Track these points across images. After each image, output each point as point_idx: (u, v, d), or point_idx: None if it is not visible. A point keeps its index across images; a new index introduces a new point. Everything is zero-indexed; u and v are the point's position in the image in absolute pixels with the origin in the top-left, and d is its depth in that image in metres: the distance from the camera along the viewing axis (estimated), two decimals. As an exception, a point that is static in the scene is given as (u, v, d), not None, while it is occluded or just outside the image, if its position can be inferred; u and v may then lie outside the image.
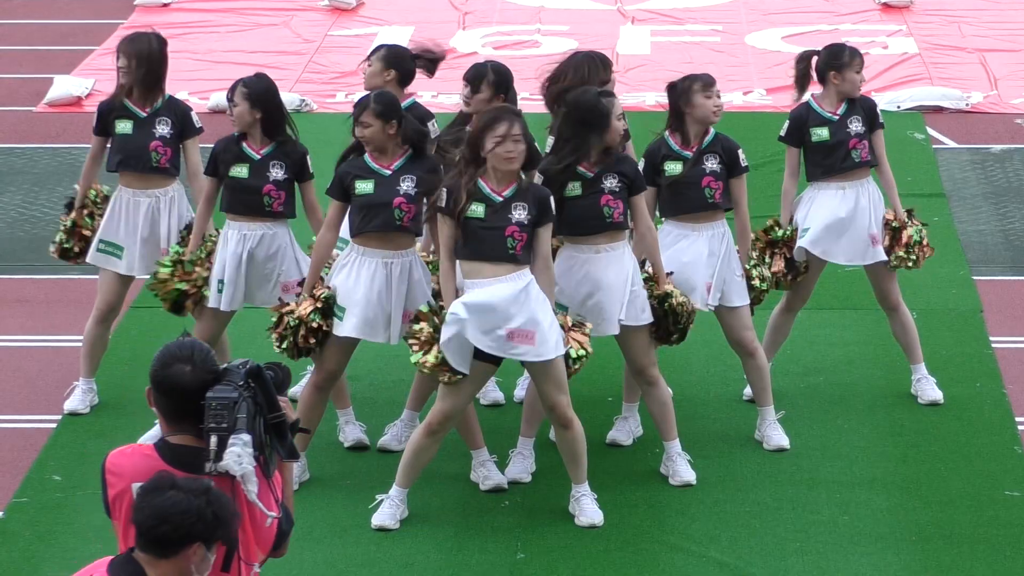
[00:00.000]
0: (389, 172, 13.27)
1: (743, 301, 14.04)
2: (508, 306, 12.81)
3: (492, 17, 24.42)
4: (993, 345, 15.49)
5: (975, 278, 16.51)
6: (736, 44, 23.36)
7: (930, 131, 20.09)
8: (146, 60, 14.63)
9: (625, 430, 14.45)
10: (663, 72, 22.17)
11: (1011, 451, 14.17)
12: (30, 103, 21.02)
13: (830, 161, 14.62)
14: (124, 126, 14.71)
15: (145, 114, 14.83)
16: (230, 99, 14.33)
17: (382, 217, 13.26)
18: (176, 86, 21.06)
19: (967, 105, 19.85)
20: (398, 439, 13.91)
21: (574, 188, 13.56)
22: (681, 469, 13.56)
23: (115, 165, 14.81)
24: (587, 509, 13.14)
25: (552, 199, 13.03)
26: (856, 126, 14.74)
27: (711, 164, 14.22)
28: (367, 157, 13.37)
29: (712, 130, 14.47)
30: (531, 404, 13.67)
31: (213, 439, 7.93)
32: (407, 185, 13.23)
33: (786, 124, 15.03)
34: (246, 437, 7.97)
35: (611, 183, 13.37)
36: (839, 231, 14.54)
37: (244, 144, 13.89)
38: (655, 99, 20.87)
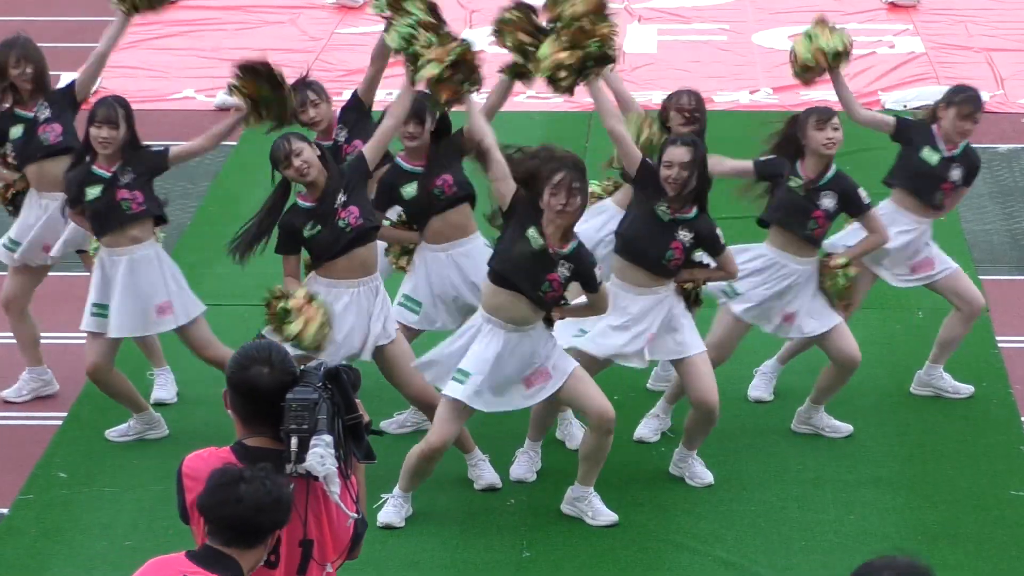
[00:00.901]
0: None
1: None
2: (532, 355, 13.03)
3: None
4: (999, 345, 15.50)
5: (981, 277, 16.43)
6: (743, 43, 23.39)
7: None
8: None
9: (653, 427, 14.41)
10: (670, 71, 22.29)
11: (1017, 451, 14.23)
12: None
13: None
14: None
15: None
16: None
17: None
18: (182, 83, 21.10)
19: (978, 102, 20.00)
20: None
21: None
22: (699, 471, 13.59)
23: None
24: (601, 509, 13.17)
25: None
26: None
27: (826, 201, 14.14)
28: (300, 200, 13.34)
29: (833, 167, 14.34)
30: (539, 412, 13.54)
31: (294, 440, 7.98)
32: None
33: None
34: (328, 438, 8.01)
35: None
36: None
37: None
38: (662, 98, 20.90)
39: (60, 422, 14.49)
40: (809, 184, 14.11)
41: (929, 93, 20.68)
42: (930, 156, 14.54)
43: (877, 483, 13.88)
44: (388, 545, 12.28)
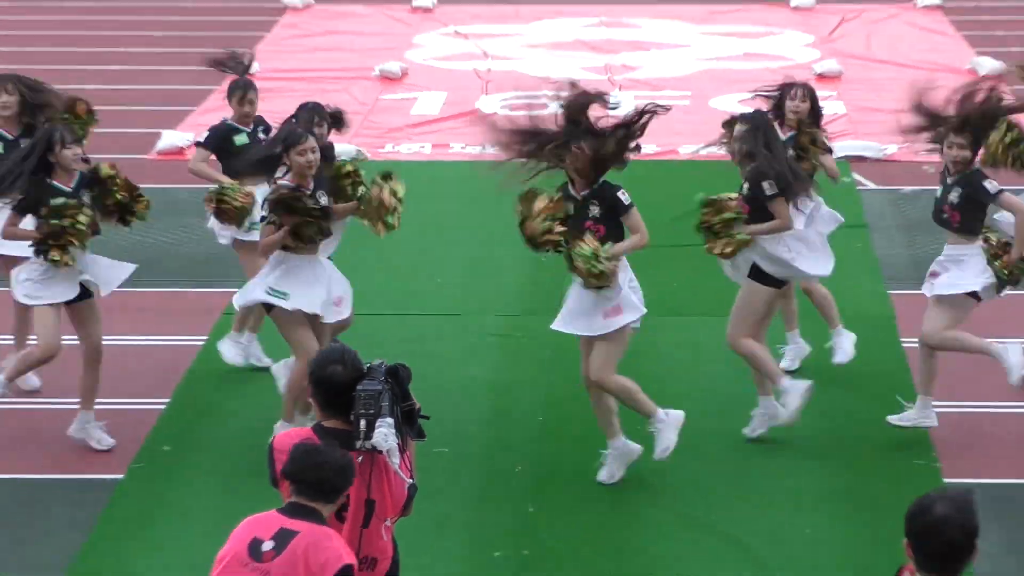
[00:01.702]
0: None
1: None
2: None
3: (508, 84, 24.41)
4: (903, 344, 15.51)
5: (889, 292, 16.61)
6: (702, 106, 23.43)
7: (855, 175, 20.08)
8: None
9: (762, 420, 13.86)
10: (650, 130, 22.29)
11: (919, 430, 14.09)
12: (143, 152, 21.16)
13: None
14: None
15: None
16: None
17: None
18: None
19: (884, 155, 19.96)
20: None
21: None
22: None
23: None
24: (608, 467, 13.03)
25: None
26: None
27: (952, 195, 13.56)
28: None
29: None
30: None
31: (362, 423, 8.33)
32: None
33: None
34: (390, 420, 8.37)
35: None
36: None
37: None
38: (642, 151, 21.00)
39: (164, 406, 14.51)
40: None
41: (849, 146, 20.75)
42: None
43: (810, 453, 13.77)
44: (419, 507, 12.25)
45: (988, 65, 24.90)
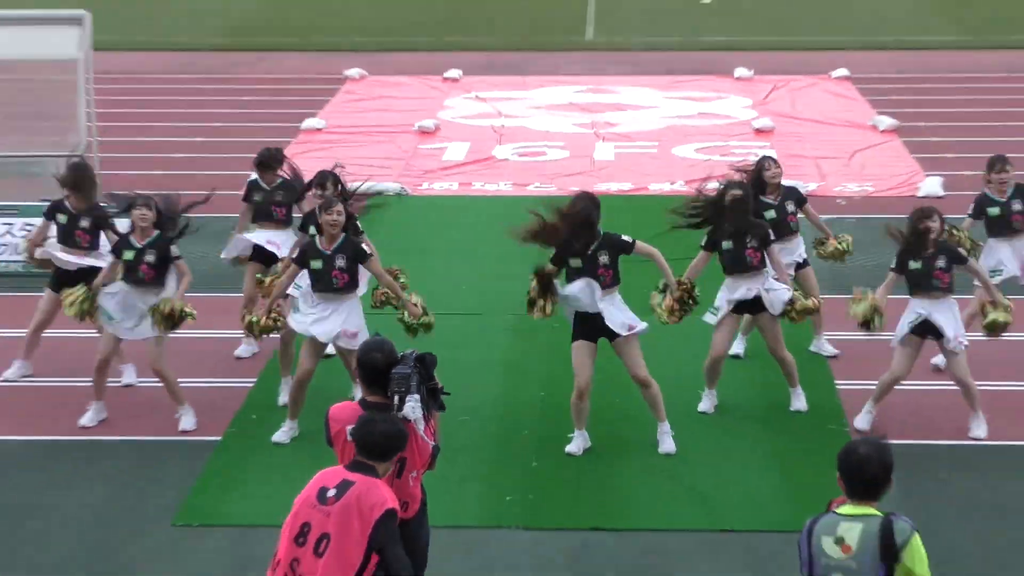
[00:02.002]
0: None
1: None
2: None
3: (518, 137, 24.33)
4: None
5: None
6: (666, 154, 23.24)
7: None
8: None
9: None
10: (622, 170, 22.22)
11: (831, 397, 14.05)
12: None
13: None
14: None
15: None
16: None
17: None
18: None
19: (807, 191, 19.78)
20: None
21: None
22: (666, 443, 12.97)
23: None
24: (666, 442, 12.93)
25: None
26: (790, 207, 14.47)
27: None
28: (317, 241, 12.89)
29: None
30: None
31: (396, 398, 8.51)
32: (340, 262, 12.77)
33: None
34: (416, 396, 8.55)
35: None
36: None
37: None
38: (617, 187, 20.86)
39: (252, 384, 14.45)
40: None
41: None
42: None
43: (750, 419, 13.70)
44: (447, 463, 12.10)
45: (885, 122, 24.75)
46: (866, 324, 13.03)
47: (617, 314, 12.52)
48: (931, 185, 20.95)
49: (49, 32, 19.74)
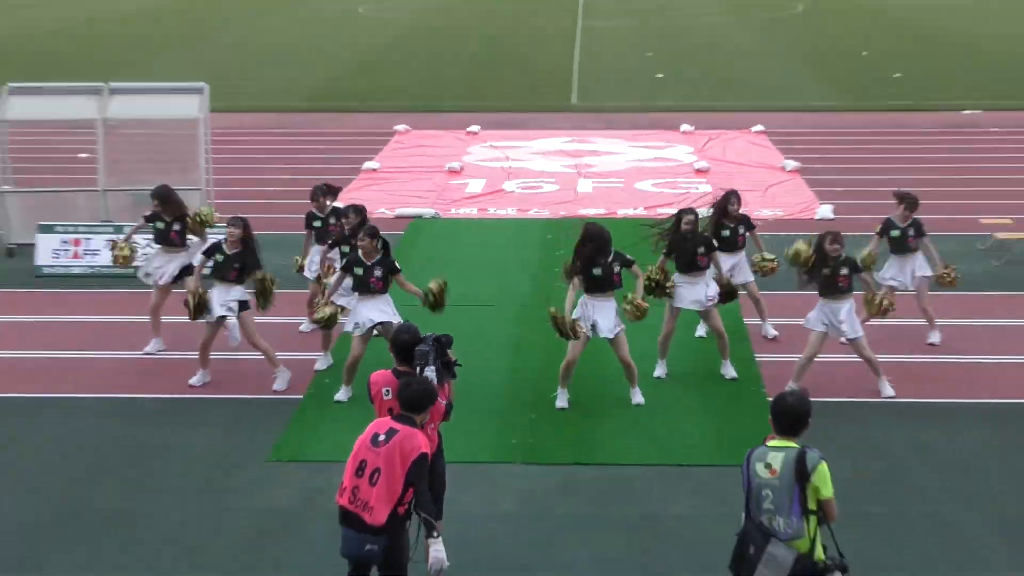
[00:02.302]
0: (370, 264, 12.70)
1: None
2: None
3: (521, 175, 24.22)
4: (745, 322, 15.29)
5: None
6: (630, 187, 23.13)
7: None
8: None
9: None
10: (598, 200, 22.05)
11: (752, 367, 13.93)
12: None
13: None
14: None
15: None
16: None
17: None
18: (377, 206, 20.88)
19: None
20: None
21: None
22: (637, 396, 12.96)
23: None
24: (637, 397, 12.94)
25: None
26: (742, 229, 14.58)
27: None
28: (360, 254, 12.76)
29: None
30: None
31: (418, 368, 8.66)
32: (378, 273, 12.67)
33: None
34: (432, 368, 8.69)
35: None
36: None
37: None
38: (594, 212, 20.80)
39: (322, 356, 14.22)
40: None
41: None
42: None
43: (681, 382, 13.62)
44: (465, 415, 11.97)
45: (790, 164, 24.60)
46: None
47: (608, 322, 12.57)
48: (824, 211, 20.91)
49: (179, 99, 19.91)
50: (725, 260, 14.12)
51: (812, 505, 7.22)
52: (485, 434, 12.25)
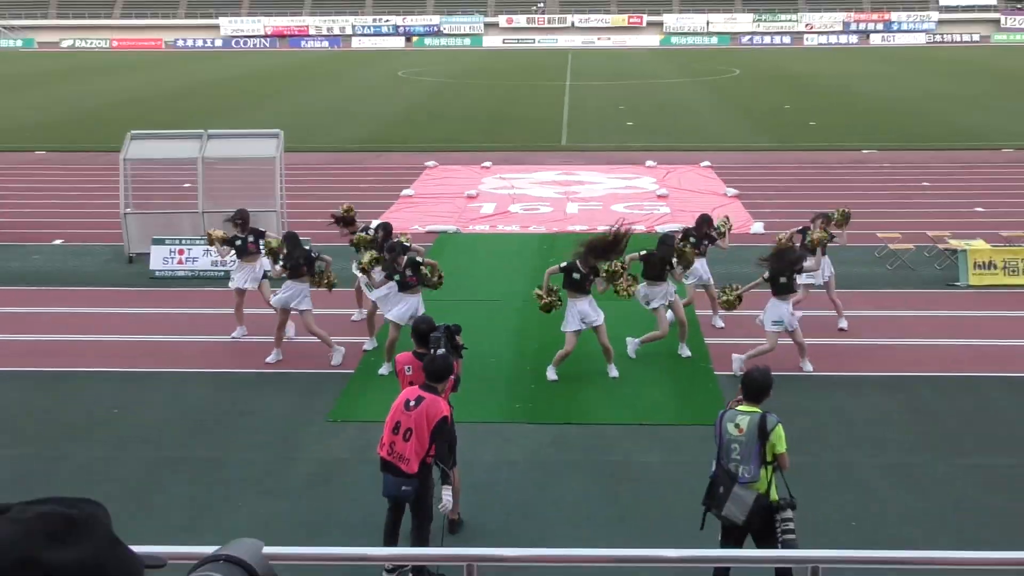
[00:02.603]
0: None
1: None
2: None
3: (523, 200, 24.07)
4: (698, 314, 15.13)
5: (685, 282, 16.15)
6: (607, 209, 22.94)
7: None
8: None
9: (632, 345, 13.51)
10: (582, 219, 21.87)
11: (702, 347, 13.79)
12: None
13: None
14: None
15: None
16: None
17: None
18: (412, 223, 20.82)
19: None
20: None
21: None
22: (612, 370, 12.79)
23: None
24: (612, 372, 12.76)
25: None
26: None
27: None
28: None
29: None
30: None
31: (432, 350, 8.34)
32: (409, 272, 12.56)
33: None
34: (443, 351, 8.34)
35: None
36: None
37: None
38: (579, 228, 20.66)
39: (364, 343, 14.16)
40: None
41: (672, 227, 20.41)
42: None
43: (647, 360, 13.48)
44: (475, 385, 11.88)
45: (731, 191, 24.48)
46: (730, 307, 13.00)
47: (593, 313, 12.49)
48: (757, 227, 20.80)
49: (259, 141, 19.87)
50: (697, 261, 14.02)
51: (769, 458, 7.33)
52: (495, 400, 12.12)
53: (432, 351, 8.55)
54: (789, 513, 7.28)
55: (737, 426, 7.35)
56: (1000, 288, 16.49)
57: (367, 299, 14.15)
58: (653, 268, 13.31)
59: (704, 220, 14.64)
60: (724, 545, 7.50)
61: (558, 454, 10.70)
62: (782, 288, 12.60)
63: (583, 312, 12.49)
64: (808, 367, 12.87)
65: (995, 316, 15.21)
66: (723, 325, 14.64)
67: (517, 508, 9.51)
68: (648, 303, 13.38)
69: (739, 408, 7.43)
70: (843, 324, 14.50)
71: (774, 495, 7.33)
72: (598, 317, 12.55)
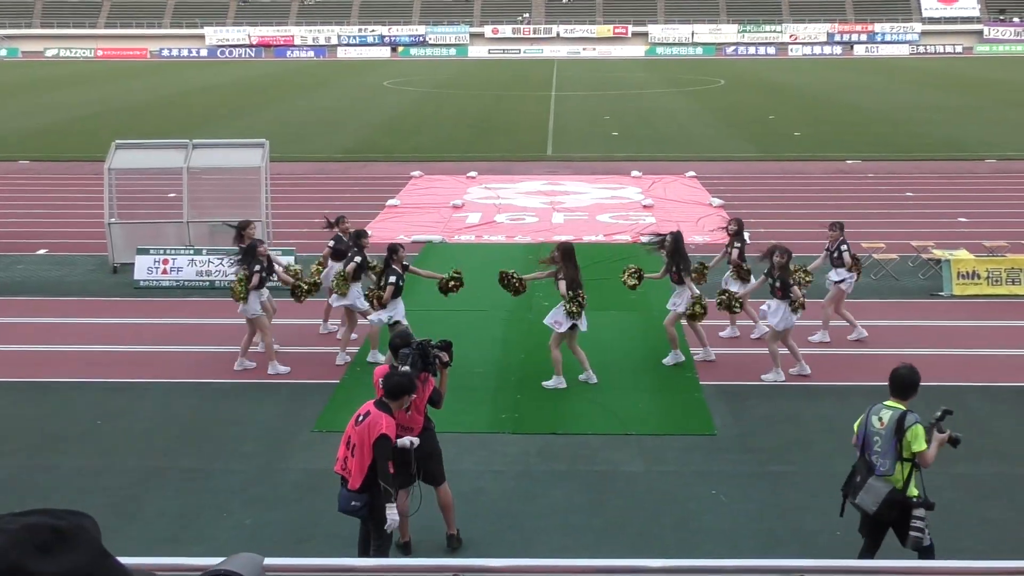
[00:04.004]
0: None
1: None
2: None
3: (509, 210, 24.10)
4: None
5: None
6: (592, 220, 23.05)
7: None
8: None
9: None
10: (568, 229, 21.86)
11: (688, 359, 13.84)
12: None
13: None
14: None
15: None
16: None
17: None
18: (397, 233, 20.75)
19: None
20: None
21: None
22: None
23: None
24: (591, 377, 12.80)
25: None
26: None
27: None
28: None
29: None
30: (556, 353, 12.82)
31: (400, 366, 8.42)
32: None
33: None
34: (408, 368, 8.31)
35: None
36: None
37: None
38: (565, 239, 20.65)
39: (355, 351, 14.15)
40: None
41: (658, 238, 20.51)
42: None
43: (632, 368, 13.46)
44: (461, 395, 11.93)
45: (716, 201, 24.61)
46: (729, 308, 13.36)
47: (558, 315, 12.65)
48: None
49: (245, 152, 19.86)
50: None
51: (907, 454, 7.53)
52: (481, 410, 12.10)
53: (399, 366, 8.51)
54: (921, 512, 7.48)
55: (880, 419, 7.58)
56: (983, 298, 16.61)
57: (337, 313, 14.12)
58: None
59: (740, 224, 14.89)
60: (860, 532, 7.78)
61: (543, 464, 10.69)
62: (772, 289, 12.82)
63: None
64: (779, 377, 12.89)
65: (979, 326, 15.30)
66: (738, 334, 14.70)
67: (502, 518, 9.50)
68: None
69: (886, 403, 7.71)
70: (825, 337, 14.53)
71: (912, 491, 7.53)
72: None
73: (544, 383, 12.72)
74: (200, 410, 12.22)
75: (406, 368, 8.31)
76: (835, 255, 14.31)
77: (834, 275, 14.35)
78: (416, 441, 8.16)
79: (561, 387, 12.60)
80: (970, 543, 8.89)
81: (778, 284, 12.65)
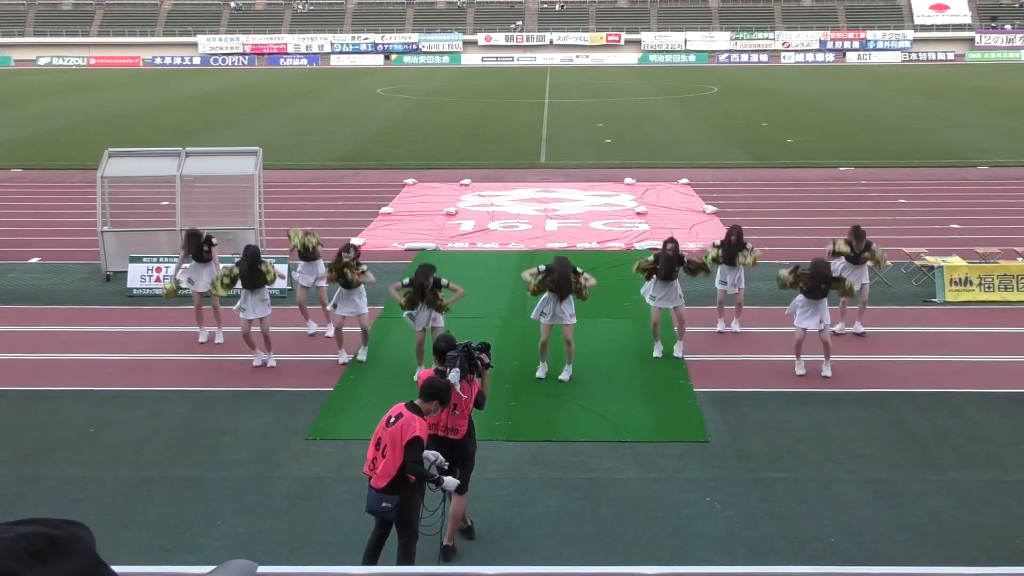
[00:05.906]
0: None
1: None
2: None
3: (502, 217, 24.05)
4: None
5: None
6: (586, 227, 23.04)
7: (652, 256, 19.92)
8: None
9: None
10: (561, 236, 21.91)
11: (680, 363, 13.86)
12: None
13: None
14: None
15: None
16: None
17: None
18: (391, 241, 20.71)
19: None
20: None
21: None
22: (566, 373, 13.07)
23: None
24: (568, 372, 13.07)
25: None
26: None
27: None
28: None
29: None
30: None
31: (447, 369, 8.53)
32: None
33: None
34: (456, 370, 8.48)
35: None
36: None
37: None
38: (558, 245, 20.71)
39: (350, 357, 14.11)
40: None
41: (648, 244, 20.46)
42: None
43: (626, 370, 13.50)
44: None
45: (709, 208, 24.64)
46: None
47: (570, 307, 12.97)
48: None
49: (239, 159, 19.85)
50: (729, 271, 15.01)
51: None
52: (475, 417, 12.03)
53: (448, 370, 8.58)
54: None
55: None
56: (976, 304, 16.65)
57: (332, 315, 14.13)
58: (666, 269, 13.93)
59: (736, 230, 15.36)
60: None
61: (537, 471, 10.68)
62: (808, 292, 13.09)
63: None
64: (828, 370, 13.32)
65: (972, 332, 15.34)
66: (739, 329, 14.94)
67: (497, 525, 9.49)
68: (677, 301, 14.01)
69: None
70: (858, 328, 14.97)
71: None
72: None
73: (560, 376, 13.09)
74: (193, 418, 12.20)
75: (455, 371, 8.42)
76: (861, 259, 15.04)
77: (864, 277, 15.13)
78: (444, 462, 8.15)
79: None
80: (963, 550, 8.89)
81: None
